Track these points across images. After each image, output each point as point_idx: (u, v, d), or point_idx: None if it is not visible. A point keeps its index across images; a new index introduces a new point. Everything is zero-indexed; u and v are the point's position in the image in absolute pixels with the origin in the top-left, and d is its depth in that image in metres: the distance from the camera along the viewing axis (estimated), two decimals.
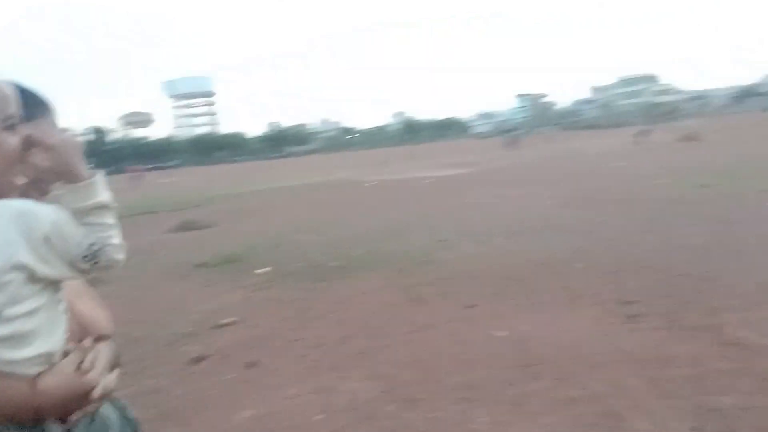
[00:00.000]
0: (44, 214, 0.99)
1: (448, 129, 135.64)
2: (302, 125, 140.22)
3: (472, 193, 14.87)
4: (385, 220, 11.38)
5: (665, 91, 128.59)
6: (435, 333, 4.65)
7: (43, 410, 0.98)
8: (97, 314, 1.21)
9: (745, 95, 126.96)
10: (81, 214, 1.03)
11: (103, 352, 1.11)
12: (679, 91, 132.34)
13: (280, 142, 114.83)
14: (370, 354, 4.33)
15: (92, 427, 1.09)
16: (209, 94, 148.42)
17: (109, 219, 1.08)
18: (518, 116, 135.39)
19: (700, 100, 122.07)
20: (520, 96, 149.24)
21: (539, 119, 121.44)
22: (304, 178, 28.73)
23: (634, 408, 3.13)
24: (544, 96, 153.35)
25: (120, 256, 1.09)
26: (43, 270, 0.98)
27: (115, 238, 1.08)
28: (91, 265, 1.04)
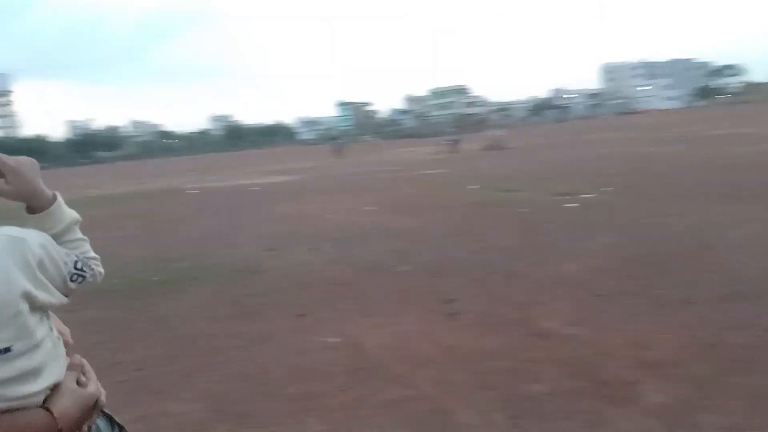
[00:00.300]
0: (33, 238, 0.96)
1: (275, 135, 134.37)
2: (113, 128, 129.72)
3: (299, 200, 14.89)
4: (210, 230, 10.98)
5: (474, 103, 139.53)
6: (267, 345, 4.58)
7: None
8: (63, 328, 1.18)
9: (541, 108, 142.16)
10: (56, 236, 1.03)
11: (86, 363, 1.11)
12: (486, 103, 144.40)
13: (88, 147, 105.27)
14: (199, 372, 4.14)
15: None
16: (4, 93, 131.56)
17: (80, 234, 1.08)
18: (342, 124, 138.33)
19: (504, 112, 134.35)
20: (342, 104, 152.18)
21: (362, 127, 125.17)
22: (118, 187, 26.70)
23: (460, 402, 3.35)
24: (367, 104, 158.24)
25: (101, 268, 1.10)
26: (43, 297, 0.95)
27: (91, 251, 1.09)
28: (78, 283, 1.04)
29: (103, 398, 1.11)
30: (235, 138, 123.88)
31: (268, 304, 5.71)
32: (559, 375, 3.60)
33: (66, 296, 1.04)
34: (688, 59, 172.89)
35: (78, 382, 1.05)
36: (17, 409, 0.92)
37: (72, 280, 1.04)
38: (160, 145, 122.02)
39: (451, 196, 13.17)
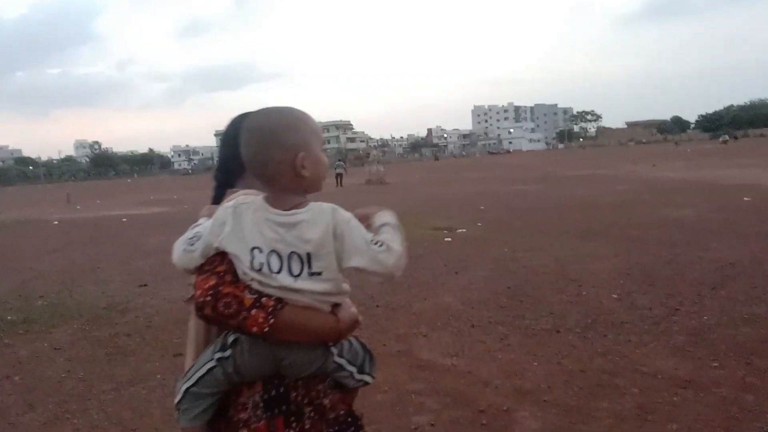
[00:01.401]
0: (344, 212, 1.40)
1: (148, 164, 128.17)
2: None
3: (170, 232, 14.25)
4: (75, 264, 10.23)
5: (356, 138, 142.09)
6: (141, 388, 4.32)
7: (341, 335, 1.44)
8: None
9: (419, 145, 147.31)
10: None
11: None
12: (367, 138, 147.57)
13: None
14: (62, 421, 3.82)
15: (352, 348, 1.51)
16: None
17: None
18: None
19: (384, 148, 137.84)
20: (220, 134, 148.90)
21: None
22: None
23: None
24: None
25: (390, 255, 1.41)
26: (342, 248, 1.37)
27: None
28: (379, 246, 1.37)
29: (360, 319, 1.51)
30: (104, 166, 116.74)
31: (141, 343, 5.41)
32: (440, 405, 3.72)
33: (376, 259, 1.36)
34: (551, 104, 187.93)
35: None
36: (316, 309, 1.39)
37: (375, 244, 1.37)
38: (18, 172, 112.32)
39: None
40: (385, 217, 1.48)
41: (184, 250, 1.45)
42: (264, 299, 1.34)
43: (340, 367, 1.48)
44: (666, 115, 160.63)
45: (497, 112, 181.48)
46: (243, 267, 1.37)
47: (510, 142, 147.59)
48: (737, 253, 7.57)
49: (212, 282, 1.36)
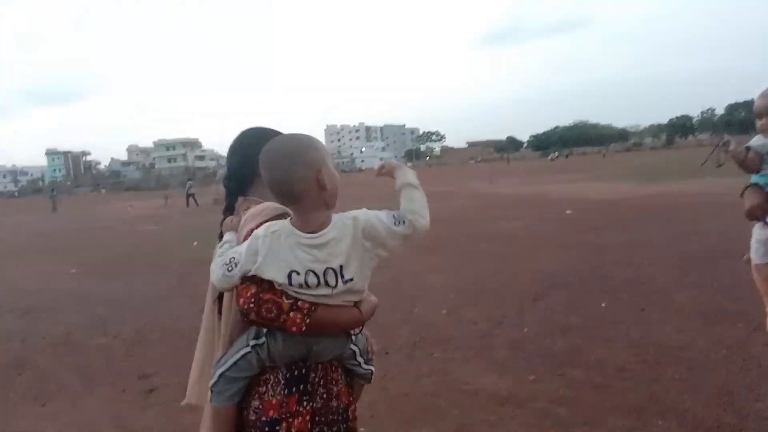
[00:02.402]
0: (361, 215, 1.58)
1: None
2: None
3: None
4: None
5: (205, 156, 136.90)
6: None
7: (364, 324, 1.69)
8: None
9: None
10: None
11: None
12: (218, 156, 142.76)
13: None
14: None
15: (360, 336, 1.73)
16: None
17: (410, 196, 1.63)
18: (53, 174, 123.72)
19: None
20: (52, 153, 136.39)
21: (79, 178, 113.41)
22: None
23: None
24: (85, 154, 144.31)
25: (422, 220, 1.59)
26: (377, 249, 1.58)
27: (411, 206, 1.61)
28: (403, 225, 1.56)
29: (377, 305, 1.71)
30: None
31: None
32: None
33: (402, 236, 1.56)
34: (399, 125, 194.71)
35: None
36: (343, 306, 1.59)
37: (396, 225, 1.54)
38: None
39: (170, 254, 12.38)
40: (404, 176, 1.65)
41: (223, 275, 1.60)
42: (300, 303, 1.53)
43: (354, 354, 1.71)
44: (502, 135, 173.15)
45: (349, 132, 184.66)
46: (280, 284, 1.54)
47: (362, 161, 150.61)
48: (558, 264, 8.06)
49: (253, 290, 1.54)
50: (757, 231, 2.26)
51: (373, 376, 1.80)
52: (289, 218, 1.59)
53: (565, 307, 5.88)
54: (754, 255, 2.26)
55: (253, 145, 1.74)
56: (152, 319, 6.75)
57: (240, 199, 1.86)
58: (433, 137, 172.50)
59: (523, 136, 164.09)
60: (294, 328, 1.52)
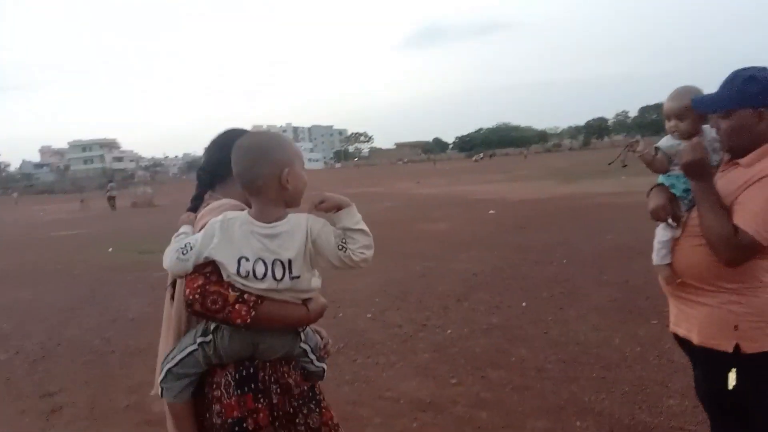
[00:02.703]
0: (319, 221, 1.64)
1: None
2: None
3: None
4: None
5: (123, 158, 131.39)
6: None
7: (310, 322, 1.73)
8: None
9: (195, 165, 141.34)
10: (345, 228, 1.63)
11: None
12: (137, 158, 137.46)
13: None
14: None
15: (314, 338, 1.82)
16: None
17: (359, 230, 1.63)
18: None
19: (156, 168, 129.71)
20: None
21: None
22: None
23: None
24: None
25: (365, 255, 1.62)
26: (317, 256, 1.64)
27: (361, 242, 1.62)
28: (344, 252, 1.60)
29: (326, 307, 1.78)
30: None
31: None
32: None
33: (339, 260, 1.61)
34: (327, 126, 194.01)
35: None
36: (290, 302, 1.65)
37: (340, 249, 1.60)
38: None
39: (83, 261, 11.71)
40: (343, 220, 1.63)
41: (177, 259, 1.61)
42: (246, 295, 1.57)
43: (305, 353, 1.76)
44: (429, 137, 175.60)
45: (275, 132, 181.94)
46: (229, 272, 1.59)
47: None
48: (481, 264, 8.16)
49: (200, 281, 1.57)
50: (660, 232, 2.28)
51: (324, 373, 1.85)
52: (247, 209, 1.67)
53: (488, 307, 5.93)
54: (656, 256, 2.28)
55: (224, 147, 1.82)
56: (59, 331, 6.32)
57: (208, 193, 1.94)
58: (362, 138, 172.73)
59: (449, 137, 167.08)
60: (239, 320, 1.56)
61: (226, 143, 1.83)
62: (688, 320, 2.24)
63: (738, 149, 2.12)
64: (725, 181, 2.12)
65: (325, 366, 1.86)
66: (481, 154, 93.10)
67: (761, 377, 2.11)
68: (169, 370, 1.68)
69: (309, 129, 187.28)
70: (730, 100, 2.06)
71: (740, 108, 2.04)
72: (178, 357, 1.67)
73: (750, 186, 1.99)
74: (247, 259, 1.58)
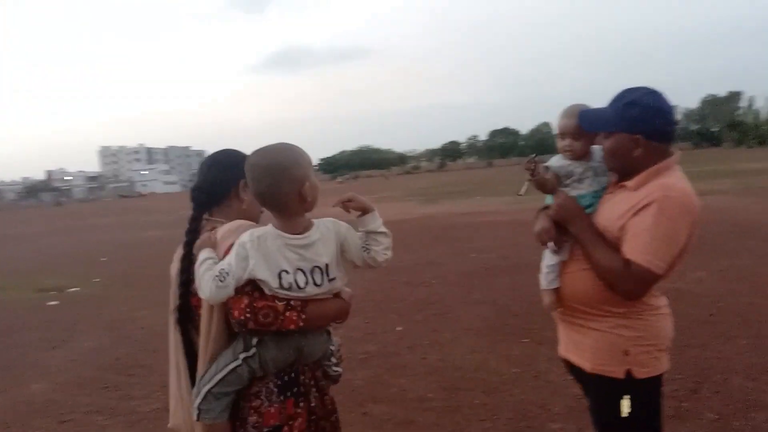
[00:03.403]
0: (342, 225, 1.77)
1: None
2: None
3: None
4: None
5: None
6: None
7: (349, 311, 1.84)
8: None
9: (36, 190, 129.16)
10: (369, 231, 1.76)
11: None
12: None
13: None
14: None
15: (334, 338, 1.90)
16: None
17: (381, 232, 1.78)
18: None
19: None
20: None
21: None
22: None
23: None
24: None
25: (384, 255, 1.78)
26: (347, 255, 1.77)
27: (383, 244, 1.78)
28: (367, 253, 1.75)
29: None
30: None
31: None
32: None
33: (362, 260, 1.76)
34: (184, 146, 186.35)
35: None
36: (328, 298, 1.75)
37: (363, 250, 1.74)
38: None
39: None
40: (368, 223, 1.75)
41: (217, 288, 1.61)
42: (292, 302, 1.65)
43: (331, 353, 1.86)
44: None
45: (127, 153, 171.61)
46: (271, 287, 1.64)
47: (144, 185, 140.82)
48: (351, 286, 7.86)
49: (246, 301, 1.62)
50: (548, 255, 2.19)
51: (340, 378, 1.91)
52: (270, 224, 1.70)
53: (363, 334, 5.74)
54: (543, 280, 2.19)
55: (230, 167, 1.88)
56: None
57: (204, 217, 1.91)
58: None
59: (313, 159, 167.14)
60: (292, 326, 1.63)
61: (225, 164, 1.92)
62: (579, 347, 2.17)
63: (619, 171, 2.09)
64: (612, 204, 2.07)
65: (341, 370, 1.92)
66: (346, 176, 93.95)
67: (652, 403, 2.09)
68: (209, 391, 1.68)
69: (165, 150, 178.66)
70: (610, 121, 2.02)
71: (619, 131, 2.01)
72: (219, 376, 1.68)
73: (637, 213, 1.93)
74: (287, 272, 1.64)
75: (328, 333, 1.84)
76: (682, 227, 1.90)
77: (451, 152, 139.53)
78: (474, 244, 11.23)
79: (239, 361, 1.67)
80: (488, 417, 3.69)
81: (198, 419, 1.69)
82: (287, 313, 1.63)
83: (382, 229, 1.77)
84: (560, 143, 2.19)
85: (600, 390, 2.13)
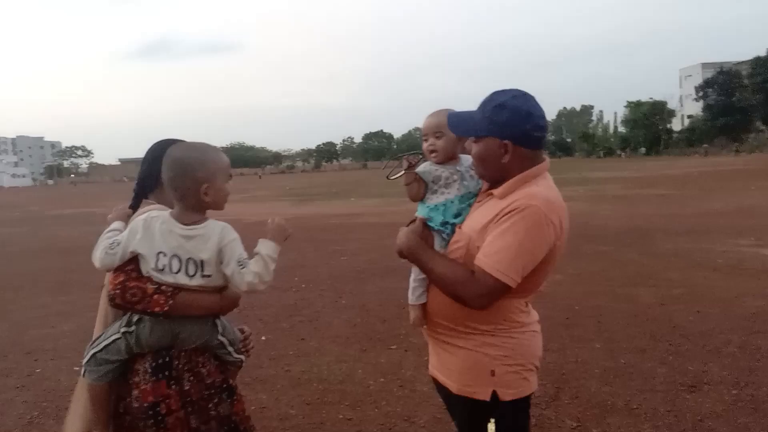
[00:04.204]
0: (232, 233, 1.86)
1: None
2: None
3: None
4: None
5: None
6: None
7: (222, 309, 1.91)
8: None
9: None
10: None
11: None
12: None
13: None
14: None
15: (233, 332, 2.02)
16: None
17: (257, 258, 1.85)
18: None
19: None
20: None
21: None
22: None
23: None
24: None
25: (248, 278, 1.80)
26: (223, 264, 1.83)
27: (250, 266, 1.82)
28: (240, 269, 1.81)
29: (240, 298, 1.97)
30: None
31: None
32: None
33: (231, 276, 1.81)
34: (36, 137, 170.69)
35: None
36: (204, 291, 1.82)
37: (239, 266, 1.80)
38: None
39: None
40: (263, 247, 1.87)
41: (106, 254, 1.81)
42: (163, 287, 1.76)
43: (222, 345, 1.92)
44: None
45: None
46: (148, 266, 1.78)
47: None
48: None
49: (121, 278, 1.77)
50: (416, 269, 2.03)
51: (243, 364, 2.04)
52: (169, 210, 1.84)
53: None
54: (411, 295, 2.03)
55: (157, 159, 1.93)
56: None
57: (144, 201, 2.07)
58: (79, 152, 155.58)
59: None
60: (158, 309, 1.72)
61: (154, 156, 2.04)
62: (446, 366, 2.03)
63: (489, 179, 1.97)
64: (479, 212, 1.95)
65: (243, 358, 2.03)
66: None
67: (519, 426, 1.98)
68: (93, 355, 1.82)
69: (13, 140, 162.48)
70: (478, 125, 1.89)
71: (488, 136, 1.88)
72: (103, 344, 1.82)
73: (498, 222, 1.81)
74: (165, 254, 1.77)
75: (214, 324, 1.89)
76: (541, 238, 1.79)
77: (326, 153, 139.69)
78: (346, 247, 11.11)
79: (119, 335, 1.80)
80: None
81: (83, 375, 1.87)
82: (155, 296, 1.73)
83: (272, 257, 1.85)
84: (424, 145, 2.06)
85: (465, 413, 2.00)
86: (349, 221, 15.52)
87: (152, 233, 1.79)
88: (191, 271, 1.78)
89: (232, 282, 1.82)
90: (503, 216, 1.80)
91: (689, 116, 79.87)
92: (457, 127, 1.94)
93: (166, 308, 1.74)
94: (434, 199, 2.04)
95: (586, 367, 4.34)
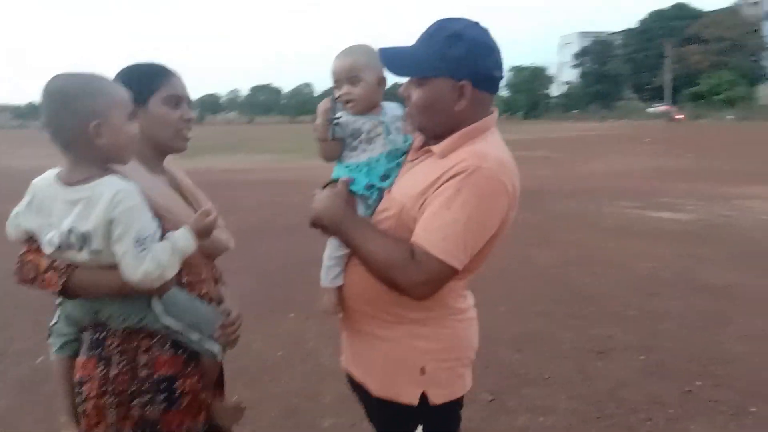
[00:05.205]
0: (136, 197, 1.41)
1: None
2: None
3: None
4: None
5: None
6: None
7: (134, 290, 1.42)
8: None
9: None
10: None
11: None
12: None
13: None
14: None
15: (195, 312, 1.58)
16: None
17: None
18: None
19: None
20: None
21: None
22: None
23: None
24: None
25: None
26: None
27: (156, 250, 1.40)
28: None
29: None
30: None
31: None
32: None
33: (123, 257, 1.37)
34: None
35: None
36: (109, 270, 1.42)
37: (137, 248, 1.36)
38: None
39: None
40: (179, 234, 1.43)
41: (10, 225, 1.50)
42: (57, 262, 1.42)
43: (173, 330, 1.50)
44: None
45: None
46: (40, 241, 1.44)
47: None
48: None
49: (23, 250, 1.50)
50: (333, 244, 1.65)
51: (219, 354, 1.60)
52: (59, 168, 1.44)
53: None
54: (324, 276, 1.64)
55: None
56: None
57: None
58: None
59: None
60: (50, 288, 1.45)
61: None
62: (366, 361, 1.67)
63: (430, 130, 1.60)
64: (413, 174, 1.57)
65: (216, 347, 1.60)
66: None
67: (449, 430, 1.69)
68: (51, 326, 1.61)
69: None
70: (426, 63, 1.49)
71: (438, 76, 1.50)
72: (56, 315, 1.61)
73: (440, 187, 1.45)
74: (51, 225, 1.41)
75: (147, 303, 1.47)
76: (493, 208, 1.46)
77: (210, 105, 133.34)
78: (236, 205, 10.47)
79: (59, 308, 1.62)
80: (249, 416, 3.12)
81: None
82: (47, 274, 1.44)
83: (179, 247, 1.41)
84: (337, 92, 1.64)
85: (387, 418, 1.66)
86: (237, 177, 14.77)
87: (40, 202, 1.43)
88: (77, 246, 1.37)
89: (121, 266, 1.35)
90: (447, 180, 1.45)
91: (567, 83, 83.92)
92: (397, 67, 1.55)
93: (59, 288, 1.43)
94: (354, 157, 1.65)
95: (494, 332, 4.21)
